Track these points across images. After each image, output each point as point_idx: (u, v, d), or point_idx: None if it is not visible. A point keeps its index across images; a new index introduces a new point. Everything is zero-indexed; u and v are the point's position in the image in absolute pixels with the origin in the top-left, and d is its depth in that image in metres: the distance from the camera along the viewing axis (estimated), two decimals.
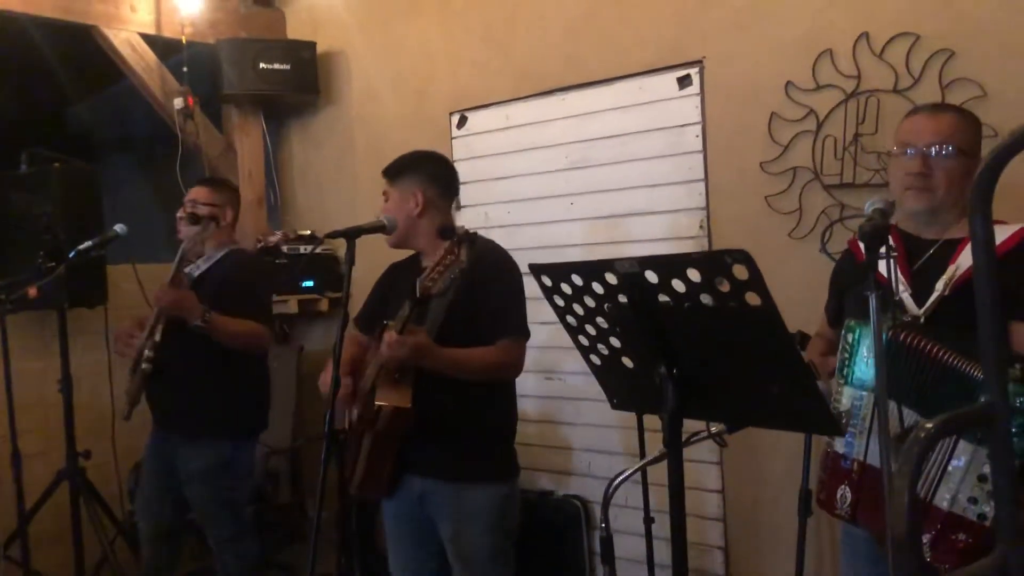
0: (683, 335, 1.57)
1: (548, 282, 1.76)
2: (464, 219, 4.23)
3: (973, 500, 1.67)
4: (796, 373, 1.46)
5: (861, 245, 2.13)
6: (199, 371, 3.15)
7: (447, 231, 2.30)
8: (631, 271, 1.55)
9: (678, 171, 3.52)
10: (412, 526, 2.61)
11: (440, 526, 2.55)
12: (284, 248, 4.57)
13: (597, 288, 1.66)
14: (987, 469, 1.64)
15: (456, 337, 2.43)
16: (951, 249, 2.00)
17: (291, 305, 4.54)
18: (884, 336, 1.76)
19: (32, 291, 3.75)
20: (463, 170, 4.22)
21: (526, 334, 2.58)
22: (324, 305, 4.74)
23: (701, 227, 3.47)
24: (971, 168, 1.99)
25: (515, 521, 2.62)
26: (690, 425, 1.72)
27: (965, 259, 1.94)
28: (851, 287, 2.19)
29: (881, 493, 1.70)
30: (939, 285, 1.96)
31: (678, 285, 1.49)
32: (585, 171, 3.80)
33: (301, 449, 4.65)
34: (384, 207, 2.63)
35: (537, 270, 1.77)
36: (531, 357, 2.71)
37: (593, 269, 1.64)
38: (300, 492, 4.67)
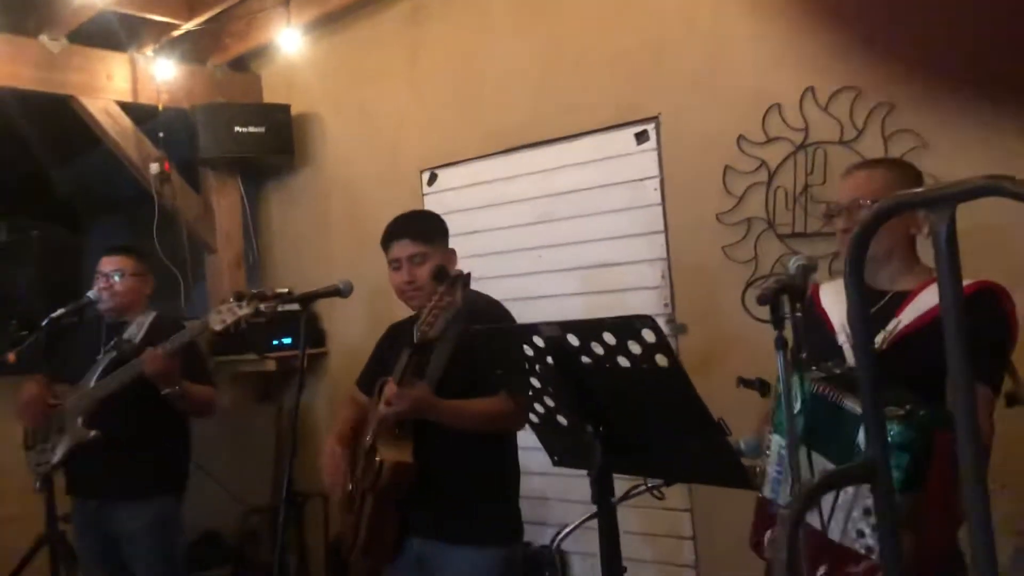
0: (606, 395, 1.63)
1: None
2: None
3: (860, 533, 1.71)
4: (706, 430, 1.52)
5: (820, 291, 2.19)
6: (137, 432, 3.16)
7: (441, 274, 2.23)
8: (555, 335, 1.62)
9: (639, 223, 3.60)
10: None
11: None
12: (262, 307, 4.61)
13: (528, 351, 1.72)
14: (871, 502, 1.66)
15: (456, 388, 2.38)
16: (899, 301, 2.02)
17: (269, 364, 4.57)
18: (808, 387, 1.80)
19: (11, 357, 3.80)
20: None
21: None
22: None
23: (663, 277, 3.55)
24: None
25: None
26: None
27: (908, 314, 1.98)
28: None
29: None
30: (878, 339, 1.96)
31: (597, 348, 1.56)
32: (551, 225, 3.89)
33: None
34: (421, 268, 2.52)
35: (474, 333, 1.83)
36: None
37: (522, 332, 1.71)
38: (281, 551, 4.66)
